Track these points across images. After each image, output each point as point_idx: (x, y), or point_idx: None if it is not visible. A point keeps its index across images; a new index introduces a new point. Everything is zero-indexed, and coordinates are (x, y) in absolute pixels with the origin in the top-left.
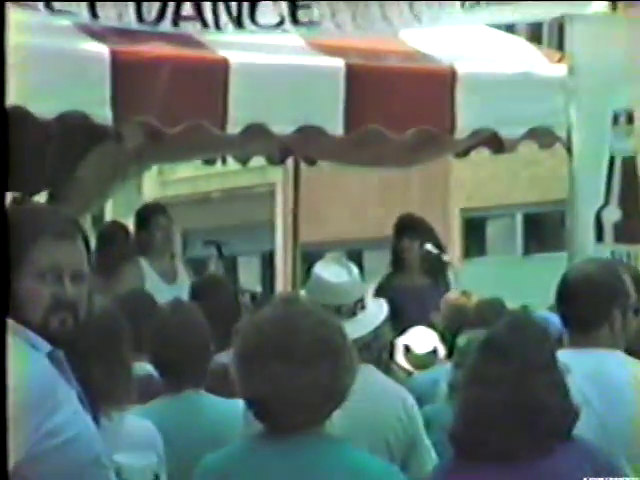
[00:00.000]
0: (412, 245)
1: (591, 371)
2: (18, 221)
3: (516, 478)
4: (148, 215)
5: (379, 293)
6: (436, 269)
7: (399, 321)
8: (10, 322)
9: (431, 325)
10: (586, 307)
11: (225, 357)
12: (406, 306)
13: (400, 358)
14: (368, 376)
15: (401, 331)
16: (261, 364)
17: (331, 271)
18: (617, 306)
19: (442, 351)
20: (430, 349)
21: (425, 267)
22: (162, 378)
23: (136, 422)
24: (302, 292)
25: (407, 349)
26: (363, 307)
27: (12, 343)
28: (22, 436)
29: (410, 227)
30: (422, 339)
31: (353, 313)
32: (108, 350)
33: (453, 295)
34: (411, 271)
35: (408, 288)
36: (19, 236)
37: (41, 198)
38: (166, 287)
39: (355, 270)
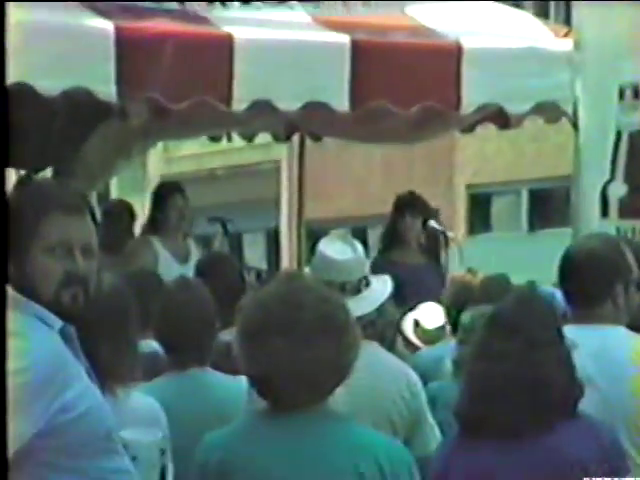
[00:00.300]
0: (414, 222)
1: (594, 347)
2: (27, 196)
3: (521, 454)
4: (165, 194)
5: (374, 269)
6: (439, 246)
7: (399, 297)
8: (19, 298)
9: (435, 301)
10: (589, 283)
11: (229, 335)
12: (406, 282)
13: (409, 332)
14: (371, 353)
15: (410, 308)
16: (264, 340)
17: (335, 248)
18: (620, 282)
19: (447, 328)
20: (439, 324)
21: (427, 244)
22: (167, 355)
23: (140, 399)
24: (307, 269)
25: (416, 324)
26: (367, 284)
27: (22, 320)
28: (36, 412)
29: (411, 205)
30: (432, 314)
31: (358, 290)
32: (115, 327)
33: (459, 272)
34: (410, 248)
35: (408, 265)
36: (28, 211)
37: (46, 175)
38: (178, 266)
39: (359, 247)
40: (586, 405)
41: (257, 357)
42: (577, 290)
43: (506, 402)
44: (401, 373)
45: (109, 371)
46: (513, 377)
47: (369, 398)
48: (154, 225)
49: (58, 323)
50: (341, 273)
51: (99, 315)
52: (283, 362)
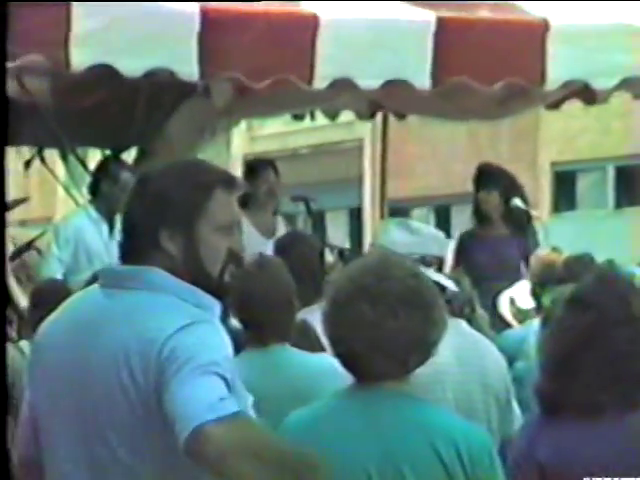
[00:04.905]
0: (489, 196)
1: None
2: (189, 173)
3: (602, 432)
4: (258, 168)
5: (460, 246)
6: (523, 224)
7: (473, 272)
8: (180, 286)
9: (514, 279)
10: None
11: (303, 314)
12: (482, 257)
13: (504, 310)
14: (469, 332)
15: (507, 285)
16: (352, 307)
17: (431, 226)
18: None
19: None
20: (533, 305)
21: (512, 221)
22: (247, 332)
23: None
24: (387, 241)
25: (512, 302)
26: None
27: (208, 324)
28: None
29: (486, 177)
30: (527, 294)
31: (440, 269)
32: None
33: (544, 251)
34: (490, 221)
35: (486, 239)
36: (195, 187)
37: (130, 154)
38: (264, 240)
39: None
40: None
41: (344, 324)
42: None
43: (582, 379)
44: (498, 352)
45: None
46: (591, 355)
47: (479, 376)
48: (243, 199)
49: (217, 309)
50: (442, 248)
51: None
52: (369, 330)
